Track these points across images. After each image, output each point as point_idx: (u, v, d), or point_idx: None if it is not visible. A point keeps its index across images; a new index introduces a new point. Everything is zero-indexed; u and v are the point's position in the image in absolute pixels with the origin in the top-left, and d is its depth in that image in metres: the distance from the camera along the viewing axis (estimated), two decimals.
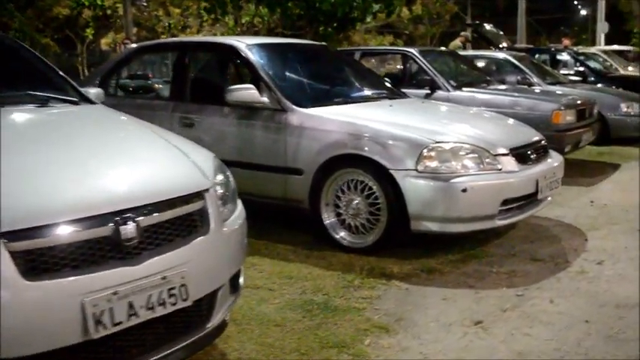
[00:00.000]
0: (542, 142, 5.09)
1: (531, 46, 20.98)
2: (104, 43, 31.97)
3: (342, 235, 4.60)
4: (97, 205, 2.25)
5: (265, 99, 4.88)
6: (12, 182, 2.20)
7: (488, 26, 15.11)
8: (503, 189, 4.36)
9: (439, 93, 7.45)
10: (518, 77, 9.28)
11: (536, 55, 12.88)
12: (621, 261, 4.44)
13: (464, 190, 4.18)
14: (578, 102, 7.73)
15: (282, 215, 5.21)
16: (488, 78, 8.55)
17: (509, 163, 4.47)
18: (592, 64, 13.43)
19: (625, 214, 5.70)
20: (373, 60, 13.85)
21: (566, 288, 3.94)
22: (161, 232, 2.41)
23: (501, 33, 15.42)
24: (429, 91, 7.46)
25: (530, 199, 4.62)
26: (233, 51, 5.43)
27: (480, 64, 10.19)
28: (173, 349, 2.46)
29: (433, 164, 4.25)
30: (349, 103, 5.27)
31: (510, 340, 3.23)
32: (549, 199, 4.93)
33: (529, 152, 4.75)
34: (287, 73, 5.48)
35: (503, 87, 8.26)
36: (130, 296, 2.24)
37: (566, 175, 5.21)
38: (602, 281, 4.05)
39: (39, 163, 2.39)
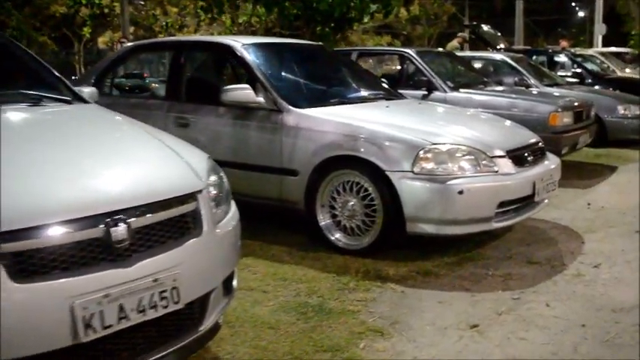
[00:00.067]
0: (539, 144, 5.07)
1: (529, 47, 20.96)
2: (101, 41, 31.90)
3: (337, 236, 4.57)
4: (88, 206, 2.22)
5: (261, 99, 4.85)
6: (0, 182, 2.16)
7: (485, 27, 15.10)
8: (499, 191, 4.33)
9: (436, 94, 7.42)
10: (516, 79, 9.27)
11: (534, 57, 12.86)
12: (618, 264, 4.41)
13: (460, 192, 4.16)
14: (576, 104, 7.71)
15: (277, 216, 5.18)
16: (485, 79, 8.53)
17: (506, 165, 4.44)
18: (589, 65, 13.41)
19: (622, 216, 5.68)
20: (371, 60, 13.82)
21: (562, 291, 3.91)
22: (153, 234, 2.37)
23: (499, 34, 15.41)
24: (425, 92, 7.44)
25: (527, 202, 4.59)
26: (229, 50, 5.40)
27: (478, 65, 10.17)
28: (165, 353, 2.43)
29: (429, 166, 4.22)
30: (345, 103, 5.24)
31: (506, 345, 3.20)
32: (546, 201, 4.91)
33: (526, 154, 4.73)
34: (283, 73, 5.45)
35: (500, 88, 8.23)
36: (121, 299, 2.21)
37: (563, 177, 5.18)
38: (598, 285, 4.03)
39: (28, 164, 2.35)
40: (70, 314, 2.09)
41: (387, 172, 4.27)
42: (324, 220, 4.61)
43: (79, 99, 3.47)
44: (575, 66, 12.72)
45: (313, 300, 3.72)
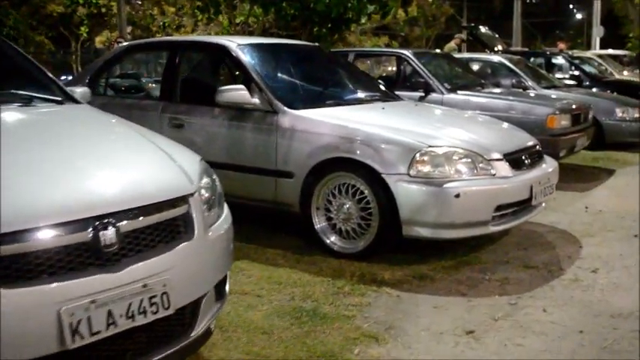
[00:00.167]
0: (537, 147, 5.03)
1: (526, 49, 20.96)
2: (99, 41, 31.80)
3: (332, 239, 4.52)
4: (75, 210, 2.17)
5: (256, 100, 4.80)
6: None
7: (483, 29, 15.10)
8: (496, 194, 4.29)
9: (433, 96, 7.39)
10: (513, 81, 9.24)
11: (532, 59, 12.84)
12: (616, 269, 4.37)
13: (457, 196, 4.11)
14: (573, 106, 7.68)
15: (272, 219, 5.13)
16: (482, 81, 8.49)
17: (503, 168, 4.40)
18: (587, 68, 13.41)
19: (620, 220, 5.64)
20: (368, 62, 13.80)
21: (559, 297, 3.87)
22: (143, 238, 2.33)
23: (496, 36, 15.41)
24: (422, 94, 7.40)
25: (524, 205, 4.55)
26: (224, 51, 5.35)
27: (475, 67, 10.15)
28: (155, 359, 2.38)
29: (426, 169, 4.18)
30: (341, 105, 5.19)
31: (502, 351, 3.16)
32: (543, 204, 4.87)
33: (523, 157, 4.69)
34: (279, 74, 5.41)
35: (497, 90, 8.20)
36: (109, 304, 2.16)
37: (560, 181, 5.15)
38: (596, 290, 3.99)
39: (14, 166, 2.29)
40: (57, 320, 2.04)
41: (383, 175, 4.23)
42: (319, 223, 4.56)
43: (71, 99, 3.42)
44: (573, 68, 12.71)
45: (308, 304, 3.67)
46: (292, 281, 4.03)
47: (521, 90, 8.80)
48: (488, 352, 3.15)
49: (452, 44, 14.55)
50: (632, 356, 3.12)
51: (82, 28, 26.82)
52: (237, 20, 13.79)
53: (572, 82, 11.21)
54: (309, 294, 3.82)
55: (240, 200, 4.80)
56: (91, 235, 2.16)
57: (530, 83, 9.32)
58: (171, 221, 2.46)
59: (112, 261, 2.21)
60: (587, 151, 8.52)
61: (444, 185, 4.13)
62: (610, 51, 20.16)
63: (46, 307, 2.03)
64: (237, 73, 5.76)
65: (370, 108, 5.27)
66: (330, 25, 11.52)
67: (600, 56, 16.41)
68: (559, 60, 13.43)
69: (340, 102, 5.31)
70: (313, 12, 10.96)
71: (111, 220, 2.22)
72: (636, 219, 5.62)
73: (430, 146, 4.25)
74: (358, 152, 4.35)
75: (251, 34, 13.31)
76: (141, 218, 2.32)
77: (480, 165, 4.29)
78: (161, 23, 25.05)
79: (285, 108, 4.74)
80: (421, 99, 7.26)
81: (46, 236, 2.08)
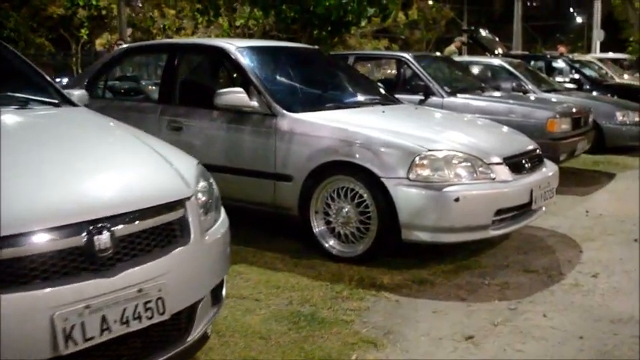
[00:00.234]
0: (537, 150, 5.01)
1: (527, 52, 20.96)
2: (99, 43, 31.79)
3: (331, 243, 4.49)
4: (70, 214, 2.14)
5: (255, 103, 4.78)
6: None
7: (483, 32, 15.08)
8: (496, 199, 4.26)
9: (433, 99, 7.37)
10: (513, 84, 9.22)
11: (532, 62, 12.82)
12: (616, 274, 4.34)
13: (456, 200, 4.08)
14: (574, 110, 7.66)
15: (270, 222, 5.11)
16: (482, 84, 8.47)
17: (503, 172, 4.37)
18: (587, 71, 13.39)
19: (620, 224, 5.61)
20: (369, 65, 13.77)
21: (559, 301, 3.84)
22: (138, 243, 2.30)
23: (497, 39, 15.40)
24: (422, 97, 7.38)
25: (524, 209, 4.52)
26: (223, 53, 5.32)
27: (475, 70, 10.13)
28: None
29: (425, 173, 4.15)
30: (341, 108, 5.17)
31: (502, 357, 3.13)
32: (544, 209, 4.84)
33: (523, 161, 4.66)
34: (278, 77, 5.39)
35: (497, 94, 8.18)
36: (104, 310, 2.13)
37: (561, 184, 5.12)
38: (596, 295, 3.96)
39: (8, 169, 2.26)
40: (50, 326, 2.02)
41: (383, 179, 4.20)
42: (318, 226, 4.54)
43: (68, 102, 3.40)
44: (573, 72, 12.69)
45: (306, 309, 3.64)
46: (290, 285, 4.00)
47: (521, 93, 8.78)
48: (488, 357, 3.12)
49: (452, 47, 14.54)
50: None
51: (83, 31, 26.84)
52: (238, 23, 13.78)
53: (572, 86, 11.20)
54: (307, 298, 3.79)
55: (238, 203, 4.78)
56: (85, 239, 2.13)
57: (530, 87, 9.31)
58: (167, 225, 2.44)
59: (107, 266, 2.18)
60: (587, 154, 8.50)
61: (444, 189, 4.10)
62: (610, 54, 20.14)
63: (39, 313, 2.00)
64: (236, 75, 5.74)
65: (370, 111, 5.25)
66: (330, 28, 11.50)
67: (601, 60, 16.39)
68: (559, 63, 13.42)
69: (340, 105, 5.29)
70: (313, 15, 10.95)
71: (105, 224, 2.19)
72: (636, 223, 5.59)
73: (430, 150, 4.22)
74: (357, 156, 4.33)
75: (251, 36, 13.31)
76: (136, 222, 2.30)
77: (480, 169, 4.27)
78: (161, 26, 25.07)
79: (284, 111, 4.72)
80: (421, 102, 7.24)
81: (40, 240, 2.06)
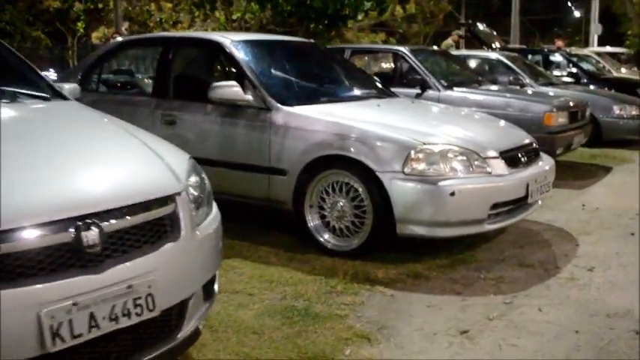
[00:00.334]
0: (534, 144, 4.98)
1: (524, 46, 20.91)
2: (95, 37, 31.67)
3: (326, 237, 4.47)
4: (57, 210, 2.11)
5: (249, 97, 4.74)
6: None
7: (481, 26, 15.03)
8: (492, 193, 4.23)
9: (430, 93, 7.34)
10: (511, 78, 9.19)
11: (529, 56, 12.80)
12: (612, 268, 4.33)
13: (452, 194, 4.06)
14: (571, 104, 7.64)
15: (265, 216, 5.08)
16: (479, 78, 8.45)
17: (499, 166, 4.34)
18: (585, 65, 13.36)
19: (617, 218, 5.59)
20: (366, 58, 13.72)
21: (555, 296, 3.82)
22: (127, 238, 2.27)
23: (494, 33, 15.34)
24: (419, 91, 7.35)
25: (521, 203, 4.50)
26: (217, 47, 5.28)
27: (473, 64, 10.10)
28: None
29: (421, 167, 4.12)
30: (336, 102, 5.14)
31: (497, 352, 3.10)
32: (540, 202, 4.82)
33: (520, 155, 4.63)
34: (272, 71, 5.34)
35: (494, 87, 8.15)
36: (92, 307, 2.10)
37: (557, 178, 5.10)
38: (592, 289, 3.94)
39: None
40: (37, 323, 1.98)
41: (378, 173, 4.17)
42: (312, 220, 4.51)
43: (59, 96, 3.36)
44: (571, 66, 12.66)
45: (299, 303, 3.62)
46: (284, 280, 3.98)
47: (518, 87, 8.75)
48: (483, 352, 3.10)
49: (449, 41, 14.51)
50: (628, 357, 3.07)
51: (79, 24, 26.72)
52: (234, 16, 13.72)
53: (569, 80, 11.18)
54: (301, 293, 3.77)
55: (233, 198, 4.76)
56: (73, 235, 2.10)
57: (527, 80, 9.29)
58: (157, 221, 2.40)
59: (95, 262, 2.15)
60: (584, 148, 8.48)
61: (439, 183, 4.08)
62: (608, 48, 20.12)
63: (25, 310, 1.97)
64: (230, 69, 5.70)
65: (365, 105, 5.21)
66: (326, 22, 11.45)
67: (598, 54, 16.38)
68: (557, 57, 13.38)
69: (335, 99, 5.26)
70: (310, 8, 10.90)
71: (94, 219, 2.16)
72: (633, 217, 5.58)
73: (425, 144, 4.19)
74: (352, 149, 4.29)
75: (248, 30, 13.25)
76: (125, 218, 2.26)
77: (476, 163, 4.24)
78: (158, 19, 24.96)
79: (279, 105, 4.68)
80: (418, 96, 7.21)
81: (27, 237, 2.02)
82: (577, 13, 42.24)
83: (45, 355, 2.02)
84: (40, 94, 3.28)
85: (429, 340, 3.22)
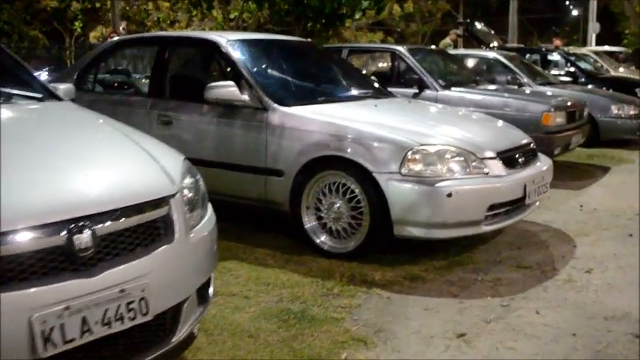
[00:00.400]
0: (531, 145, 4.96)
1: (522, 45, 20.90)
2: (93, 36, 31.62)
3: (323, 239, 4.44)
4: (49, 212, 2.08)
5: (246, 97, 4.71)
6: None
7: (479, 25, 15.01)
8: (489, 194, 4.21)
9: (427, 92, 7.32)
10: (508, 77, 9.17)
11: (527, 55, 12.80)
12: (610, 269, 4.30)
13: (449, 195, 4.03)
14: (569, 103, 7.62)
15: (262, 218, 5.05)
16: (477, 78, 8.43)
17: (497, 167, 4.32)
18: (583, 64, 13.36)
19: (615, 219, 5.57)
20: (364, 57, 13.69)
21: (552, 298, 3.80)
22: (120, 242, 2.24)
23: (492, 32, 15.33)
24: (416, 91, 7.33)
25: (518, 204, 4.47)
26: (214, 47, 5.25)
27: (470, 63, 10.08)
28: None
29: (417, 167, 4.10)
30: (333, 102, 5.12)
31: (494, 355, 3.08)
32: (537, 203, 4.80)
33: (517, 156, 4.61)
34: (269, 71, 5.32)
35: (492, 87, 8.13)
36: (84, 311, 2.08)
37: (555, 178, 5.07)
38: (590, 291, 3.92)
39: None
40: (28, 328, 1.96)
41: (374, 174, 4.15)
42: (309, 222, 4.48)
43: (53, 96, 3.33)
44: (569, 65, 12.65)
45: (296, 306, 3.59)
46: (281, 282, 3.95)
47: (516, 87, 8.73)
48: (480, 355, 3.08)
49: (447, 40, 14.49)
50: None
51: (76, 23, 26.68)
52: (232, 16, 13.67)
53: (567, 79, 11.16)
54: (297, 295, 3.74)
55: (229, 199, 4.73)
56: (65, 239, 2.07)
57: (525, 80, 9.27)
58: (151, 223, 2.38)
59: (88, 265, 2.12)
60: (582, 148, 8.46)
61: (436, 184, 4.05)
62: (606, 47, 20.11)
63: (16, 314, 1.94)
64: (227, 69, 5.67)
65: (362, 105, 5.19)
66: (324, 21, 11.42)
67: (596, 53, 16.38)
68: (555, 56, 13.37)
69: (332, 99, 5.24)
70: (307, 7, 10.86)
71: (86, 222, 2.13)
72: (631, 217, 5.56)
73: (422, 144, 4.17)
74: (349, 150, 4.27)
75: (245, 29, 13.21)
76: (118, 221, 2.23)
77: (473, 164, 4.22)
78: (155, 18, 24.92)
79: (275, 105, 4.66)
80: (415, 96, 7.20)
81: (18, 240, 1.99)
82: (575, 12, 42.27)
83: None
84: (33, 94, 3.25)
85: (426, 344, 3.20)
